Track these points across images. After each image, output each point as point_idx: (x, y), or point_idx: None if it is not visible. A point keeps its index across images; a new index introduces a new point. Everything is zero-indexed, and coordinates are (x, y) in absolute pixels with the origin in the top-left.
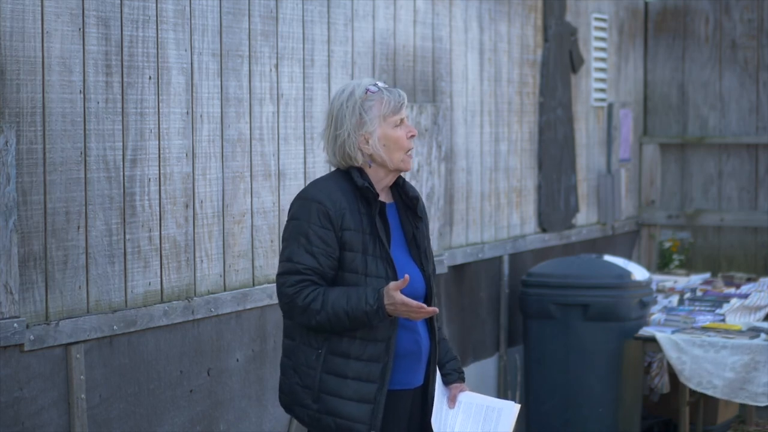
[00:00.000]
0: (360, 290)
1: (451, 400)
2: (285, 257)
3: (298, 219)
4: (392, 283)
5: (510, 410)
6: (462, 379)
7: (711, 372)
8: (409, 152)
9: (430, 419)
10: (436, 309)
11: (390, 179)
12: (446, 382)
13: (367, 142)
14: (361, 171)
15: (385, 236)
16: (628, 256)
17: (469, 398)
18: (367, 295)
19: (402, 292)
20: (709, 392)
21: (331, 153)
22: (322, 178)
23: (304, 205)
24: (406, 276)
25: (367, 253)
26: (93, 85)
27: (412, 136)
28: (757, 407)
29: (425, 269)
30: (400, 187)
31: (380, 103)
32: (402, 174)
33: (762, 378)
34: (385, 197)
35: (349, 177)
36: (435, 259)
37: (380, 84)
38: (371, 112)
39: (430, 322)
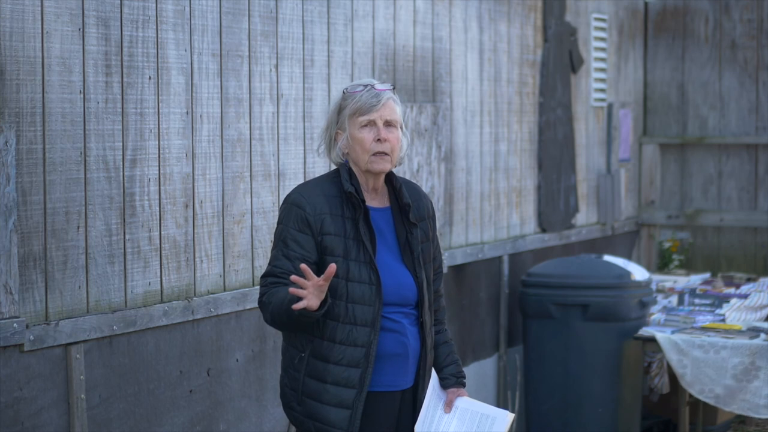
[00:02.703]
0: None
1: (447, 405)
2: (269, 260)
3: (281, 223)
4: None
5: (503, 419)
6: (461, 384)
7: (712, 378)
8: (377, 155)
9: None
10: (333, 266)
11: (374, 180)
12: (443, 386)
13: (340, 139)
14: (351, 172)
15: (369, 241)
16: (628, 256)
17: (465, 404)
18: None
19: (391, 298)
20: (711, 402)
21: (322, 148)
22: (308, 181)
23: (286, 209)
24: (331, 266)
25: (350, 258)
26: (93, 85)
27: (379, 140)
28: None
29: (418, 275)
30: (396, 191)
31: (352, 101)
32: (399, 175)
33: (764, 389)
34: (379, 200)
35: (337, 179)
36: None
37: (378, 86)
38: (345, 110)
39: (420, 325)
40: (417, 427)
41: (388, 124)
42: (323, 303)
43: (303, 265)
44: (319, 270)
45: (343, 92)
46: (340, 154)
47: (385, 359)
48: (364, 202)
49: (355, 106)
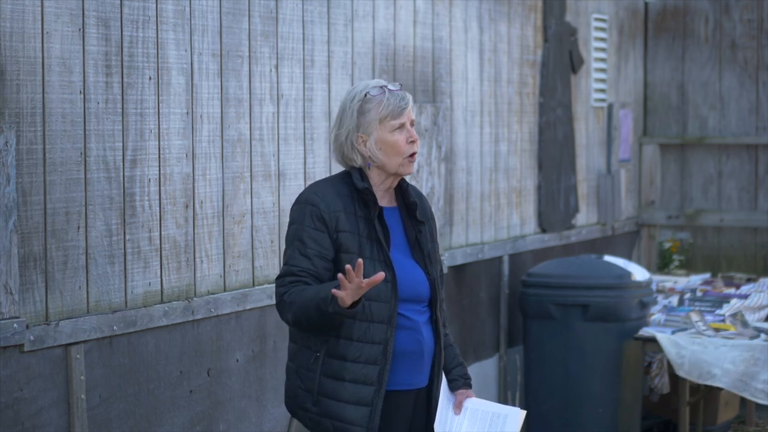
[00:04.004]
0: (328, 283)
1: (457, 407)
2: (284, 261)
3: (294, 223)
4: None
5: (516, 416)
6: (468, 385)
7: (711, 363)
8: (410, 157)
9: (434, 423)
10: (381, 274)
11: (391, 182)
12: (452, 388)
13: (365, 144)
14: (361, 173)
15: (384, 238)
16: (628, 257)
17: (475, 404)
18: (328, 286)
19: (406, 294)
20: (709, 382)
21: (334, 151)
22: (320, 181)
23: (299, 208)
24: (380, 274)
25: (364, 256)
26: (93, 86)
27: (413, 141)
28: (757, 406)
29: (430, 273)
30: (403, 191)
31: (379, 106)
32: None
33: (763, 374)
34: (387, 200)
35: (349, 179)
36: None
37: (390, 86)
38: (369, 114)
39: (434, 324)
40: (437, 427)
41: (412, 124)
42: (355, 303)
43: (360, 260)
44: (334, 267)
45: (365, 95)
46: (360, 159)
47: (401, 357)
48: (377, 200)
49: (385, 110)
